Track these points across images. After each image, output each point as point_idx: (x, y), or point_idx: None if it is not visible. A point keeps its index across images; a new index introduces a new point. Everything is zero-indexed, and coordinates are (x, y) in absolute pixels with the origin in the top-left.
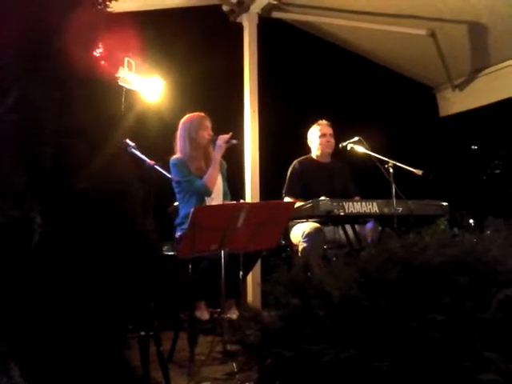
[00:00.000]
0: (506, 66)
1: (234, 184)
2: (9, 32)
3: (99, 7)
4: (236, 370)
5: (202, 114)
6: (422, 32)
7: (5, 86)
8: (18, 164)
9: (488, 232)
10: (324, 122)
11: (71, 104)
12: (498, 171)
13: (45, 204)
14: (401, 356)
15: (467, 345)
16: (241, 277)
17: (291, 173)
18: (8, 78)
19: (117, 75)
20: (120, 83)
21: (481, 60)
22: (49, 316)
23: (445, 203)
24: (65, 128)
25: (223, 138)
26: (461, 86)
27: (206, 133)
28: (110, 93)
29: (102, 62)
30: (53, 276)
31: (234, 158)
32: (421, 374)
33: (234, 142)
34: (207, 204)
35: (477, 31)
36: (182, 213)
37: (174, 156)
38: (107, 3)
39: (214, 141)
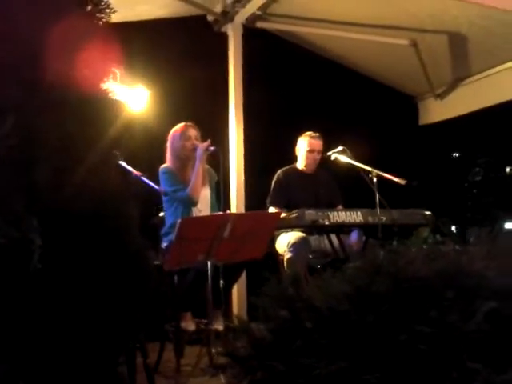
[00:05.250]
0: (485, 76)
1: (219, 194)
2: (2, 57)
3: (90, 20)
4: (224, 382)
5: (189, 123)
6: (404, 42)
7: (2, 111)
8: (16, 186)
9: (471, 241)
10: (315, 135)
11: (66, 125)
12: (478, 179)
13: (42, 225)
14: (390, 368)
15: (454, 356)
16: (223, 286)
17: (275, 183)
18: (4, 103)
19: (105, 85)
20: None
21: (461, 69)
22: (48, 334)
23: (429, 212)
24: (61, 150)
25: (202, 147)
26: (442, 95)
27: (189, 143)
28: (101, 104)
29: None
30: (51, 296)
31: (218, 167)
32: None
33: (213, 148)
34: (194, 215)
35: (457, 41)
36: (168, 222)
37: (163, 165)
38: (99, 15)
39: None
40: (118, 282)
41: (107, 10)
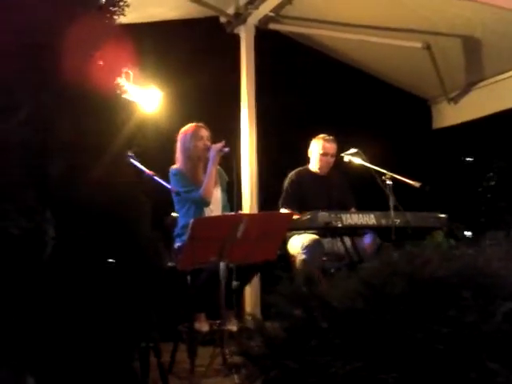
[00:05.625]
0: (499, 80)
1: (232, 195)
2: (19, 48)
3: (106, 20)
4: (238, 381)
5: (200, 123)
6: (418, 45)
7: (17, 100)
8: (29, 177)
9: (488, 245)
10: (329, 138)
11: (78, 116)
12: (492, 183)
13: (56, 216)
14: (407, 368)
15: (472, 356)
16: (237, 288)
17: (288, 184)
18: (20, 92)
19: (120, 85)
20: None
21: (475, 73)
22: (60, 326)
23: (443, 215)
24: (74, 141)
25: (216, 148)
26: (455, 99)
27: (201, 143)
28: (114, 103)
29: (104, 73)
30: (62, 288)
31: (231, 169)
32: None
33: (227, 150)
34: (206, 216)
35: (471, 45)
36: (180, 223)
37: (174, 166)
38: (114, 16)
39: (209, 150)
40: (127, 274)
41: (121, 9)
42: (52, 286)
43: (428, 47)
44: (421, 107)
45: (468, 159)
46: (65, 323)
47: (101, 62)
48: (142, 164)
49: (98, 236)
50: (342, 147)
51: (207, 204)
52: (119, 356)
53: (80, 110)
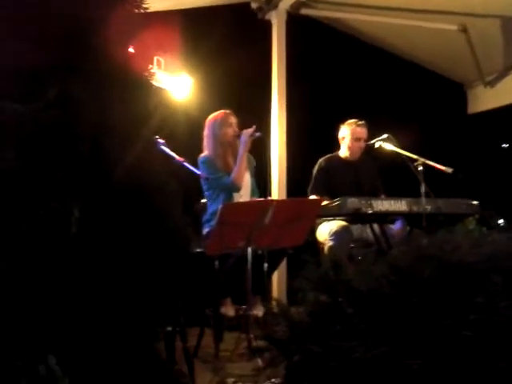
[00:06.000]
0: None
1: (261, 181)
2: (49, 30)
3: (135, 5)
4: (262, 366)
5: (227, 110)
6: (453, 27)
7: (46, 82)
8: (57, 158)
9: None
10: (361, 123)
11: (108, 100)
12: None
13: (83, 197)
14: (433, 354)
15: (502, 345)
16: (266, 273)
17: (317, 171)
18: (49, 74)
19: (151, 72)
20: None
21: None
22: (84, 307)
23: (475, 202)
24: (103, 124)
25: (247, 133)
26: (492, 83)
27: (231, 129)
28: (143, 90)
29: (136, 60)
30: (88, 268)
31: (260, 155)
32: (453, 373)
33: (258, 134)
34: (235, 201)
35: (510, 26)
36: (210, 210)
37: (202, 154)
38: (143, 1)
39: (239, 136)
40: (153, 254)
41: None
42: (77, 266)
43: (464, 29)
44: (456, 91)
45: (504, 145)
46: (89, 304)
47: (132, 49)
48: (172, 151)
49: (127, 219)
50: (375, 133)
51: (238, 189)
52: (142, 339)
53: (110, 95)
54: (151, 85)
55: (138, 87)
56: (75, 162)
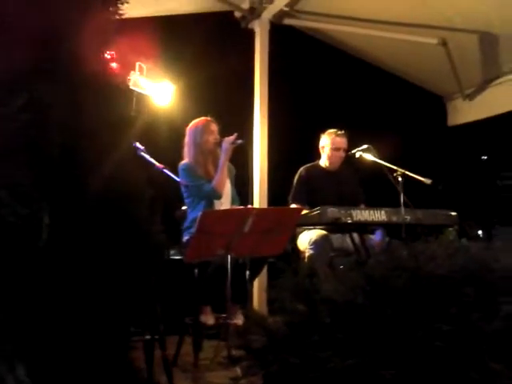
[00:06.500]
0: None
1: (242, 189)
2: (21, 34)
3: (111, 10)
4: (240, 375)
5: (208, 118)
6: (434, 41)
7: (16, 86)
8: (26, 164)
9: (496, 241)
10: (341, 132)
11: (81, 106)
12: (510, 182)
13: (52, 204)
14: (406, 364)
15: (473, 355)
16: (246, 282)
17: (298, 180)
18: (19, 79)
19: (128, 78)
20: (131, 87)
21: (492, 70)
22: (53, 316)
23: (454, 213)
24: (74, 129)
25: (228, 140)
26: (471, 96)
27: (212, 137)
28: (120, 96)
29: (113, 65)
30: (59, 276)
31: (241, 163)
32: (426, 383)
33: (240, 141)
34: (216, 209)
35: (488, 40)
36: (190, 217)
37: (183, 161)
38: (118, 6)
39: (220, 144)
40: (126, 261)
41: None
42: (47, 274)
43: (444, 43)
44: (436, 104)
45: (483, 157)
46: (59, 313)
47: (111, 55)
48: (153, 157)
49: (100, 225)
50: (355, 143)
51: (219, 197)
52: (114, 347)
53: (84, 100)
54: (130, 90)
55: (114, 92)
56: (45, 166)
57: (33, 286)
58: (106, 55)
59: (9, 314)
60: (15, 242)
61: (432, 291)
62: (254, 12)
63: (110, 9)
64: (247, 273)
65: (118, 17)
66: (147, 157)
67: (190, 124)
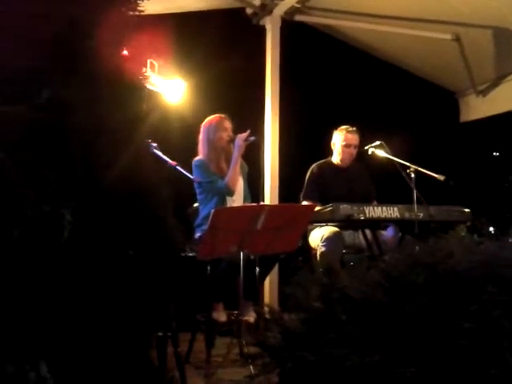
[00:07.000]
0: None
1: (254, 186)
2: (41, 31)
3: (130, 7)
4: (254, 372)
5: (222, 115)
6: (447, 36)
7: (37, 85)
8: (48, 162)
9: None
10: (352, 129)
11: (101, 103)
12: None
13: (75, 201)
14: (426, 362)
15: (495, 353)
16: (258, 279)
17: (309, 177)
18: (40, 77)
19: (145, 75)
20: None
21: (505, 66)
22: (75, 313)
23: (467, 209)
24: (95, 127)
25: (241, 137)
26: (484, 92)
27: (225, 134)
28: (136, 93)
29: (128, 63)
30: (80, 273)
31: (253, 160)
32: (447, 381)
33: (253, 138)
34: (228, 206)
35: (502, 36)
36: (202, 214)
37: (196, 157)
38: (138, 3)
39: (233, 141)
40: (145, 262)
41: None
42: (69, 271)
43: (457, 39)
44: (448, 100)
45: (495, 154)
46: (82, 310)
47: (126, 52)
48: (165, 154)
49: (119, 223)
50: (367, 140)
51: (232, 193)
52: (135, 345)
53: (103, 98)
54: (145, 88)
55: (131, 90)
56: (66, 164)
57: (56, 283)
58: (123, 52)
59: (33, 311)
60: (38, 239)
61: (451, 288)
62: (266, 8)
63: (129, 6)
64: (257, 270)
65: (136, 13)
66: (160, 154)
67: (205, 121)
